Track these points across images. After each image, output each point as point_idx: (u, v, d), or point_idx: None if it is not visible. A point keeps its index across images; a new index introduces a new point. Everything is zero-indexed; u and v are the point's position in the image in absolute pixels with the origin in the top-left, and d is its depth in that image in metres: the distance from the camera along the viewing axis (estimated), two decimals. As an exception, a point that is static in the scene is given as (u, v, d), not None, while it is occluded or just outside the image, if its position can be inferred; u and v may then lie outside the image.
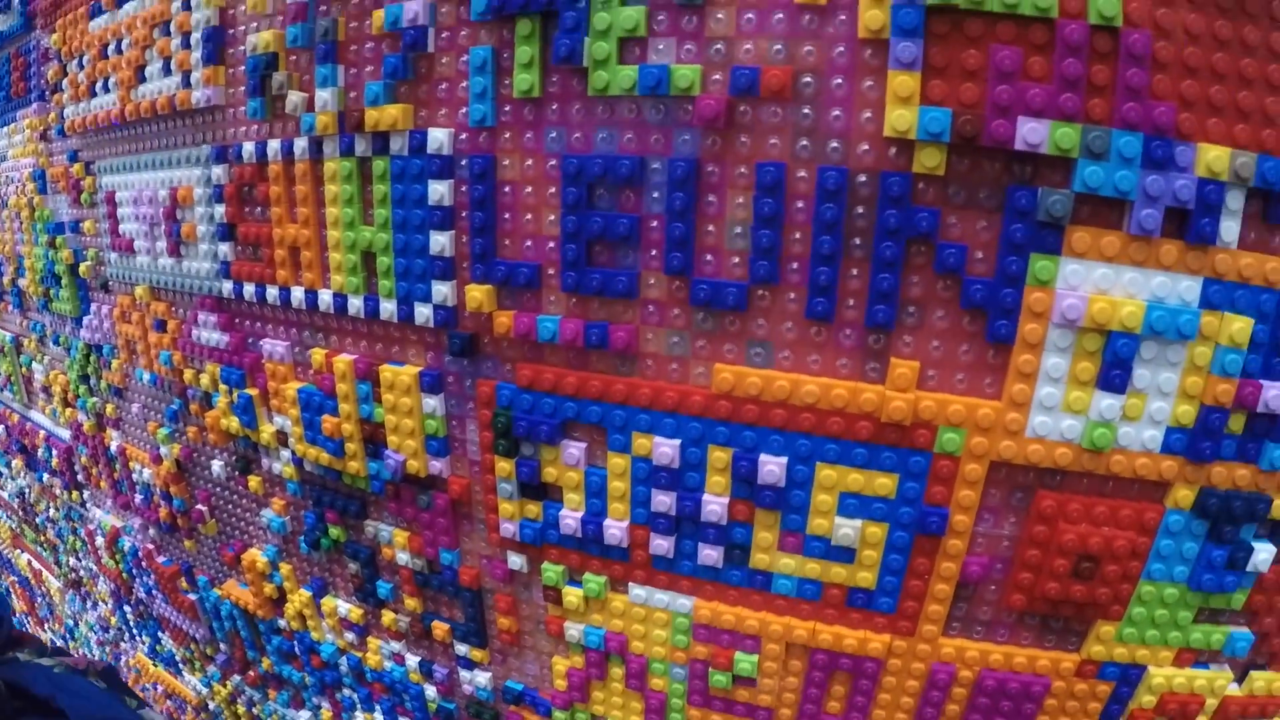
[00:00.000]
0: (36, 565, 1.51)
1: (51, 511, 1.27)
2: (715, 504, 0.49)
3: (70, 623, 1.44)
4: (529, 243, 0.49)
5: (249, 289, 0.66)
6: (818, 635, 0.51)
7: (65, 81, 0.85)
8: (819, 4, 0.39)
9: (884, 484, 0.46)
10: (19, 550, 1.57)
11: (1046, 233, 0.40)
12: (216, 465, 0.78)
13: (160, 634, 1.10)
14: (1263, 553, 0.45)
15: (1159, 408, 0.42)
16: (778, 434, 0.47)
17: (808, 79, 0.41)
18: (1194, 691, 0.49)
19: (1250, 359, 0.41)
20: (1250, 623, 0.48)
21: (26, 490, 1.34)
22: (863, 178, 0.41)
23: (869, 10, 0.38)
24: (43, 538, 1.38)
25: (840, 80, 0.40)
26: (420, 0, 0.49)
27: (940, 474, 0.45)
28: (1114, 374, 0.42)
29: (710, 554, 0.51)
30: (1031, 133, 0.38)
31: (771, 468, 0.47)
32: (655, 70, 0.42)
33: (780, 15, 0.40)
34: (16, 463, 1.31)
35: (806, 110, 0.41)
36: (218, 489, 0.81)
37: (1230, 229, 0.39)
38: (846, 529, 0.48)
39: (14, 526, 1.54)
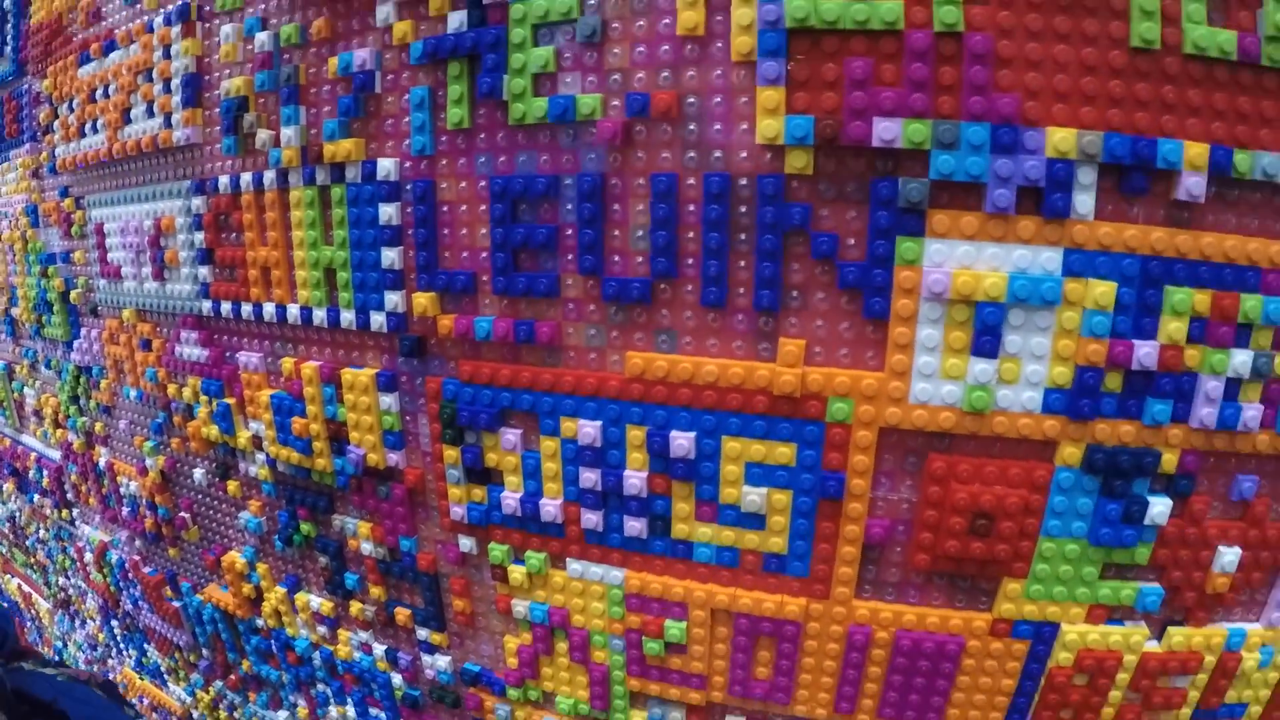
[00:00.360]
0: (26, 589, 1.56)
1: (41, 533, 1.32)
2: (635, 478, 0.55)
3: (59, 644, 1.48)
4: (465, 253, 0.56)
5: (226, 306, 0.72)
6: (738, 600, 0.56)
7: (56, 123, 0.93)
8: (698, 35, 0.46)
9: (784, 453, 0.52)
10: (9, 575, 1.62)
11: (909, 217, 0.46)
12: (198, 473, 0.84)
13: (146, 646, 1.15)
14: (1158, 506, 0.48)
15: (1034, 370, 0.47)
16: (685, 411, 0.53)
17: (691, 99, 0.48)
18: (1110, 648, 0.52)
19: (1119, 320, 0.46)
20: (1159, 578, 0.51)
21: (17, 514, 1.39)
22: (743, 181, 0.48)
23: (739, 37, 0.45)
24: (33, 560, 1.43)
25: (719, 99, 0.47)
26: (368, 48, 0.57)
27: (834, 441, 0.51)
28: (984, 340, 0.47)
29: (635, 525, 0.57)
30: (885, 130, 0.44)
31: (681, 442, 0.53)
32: (563, 100, 0.49)
33: (666, 46, 0.47)
34: (8, 486, 1.36)
35: (692, 126, 0.48)
36: (199, 495, 0.87)
37: (1085, 202, 0.44)
38: (754, 496, 0.53)
39: (4, 551, 1.58)
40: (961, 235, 0.45)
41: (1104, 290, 0.45)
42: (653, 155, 0.49)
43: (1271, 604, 0.52)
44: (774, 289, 0.48)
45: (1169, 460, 0.48)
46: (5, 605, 1.68)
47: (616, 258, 0.51)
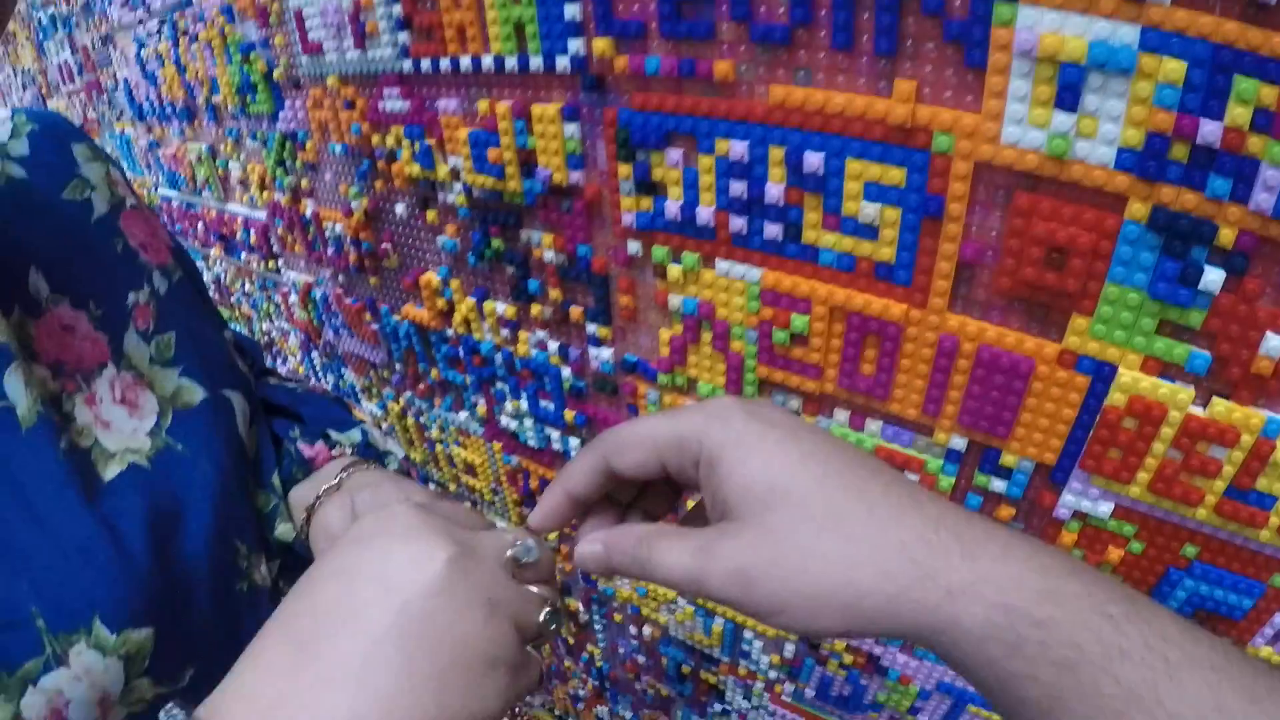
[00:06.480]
0: (230, 342, 1.98)
1: (247, 286, 1.69)
2: (774, 190, 0.74)
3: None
4: (636, 5, 0.76)
5: (425, 63, 0.95)
6: (852, 300, 0.74)
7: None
8: None
9: (895, 175, 0.67)
10: (215, 331, 2.06)
11: (1006, -15, 0.59)
12: (399, 207, 1.12)
13: (343, 370, 1.52)
14: (1212, 274, 0.55)
15: (1109, 129, 0.56)
16: (816, 135, 0.71)
17: None
18: (1158, 399, 0.60)
19: (1188, 97, 0.51)
20: (1209, 346, 0.58)
21: (222, 274, 1.77)
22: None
23: None
24: (237, 313, 1.83)
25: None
26: None
27: (937, 168, 0.66)
28: (1066, 95, 0.58)
29: (773, 230, 0.77)
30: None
31: (812, 160, 0.71)
32: None
33: None
34: (215, 251, 1.73)
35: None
36: (400, 227, 1.16)
37: (1163, -13, 0.49)
38: (869, 210, 0.70)
39: (207, 311, 2.00)
40: (1050, 4, 0.57)
41: (1175, 67, 0.51)
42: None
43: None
44: (891, 36, 0.64)
45: (1226, 235, 0.54)
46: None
47: (763, 8, 0.69)
